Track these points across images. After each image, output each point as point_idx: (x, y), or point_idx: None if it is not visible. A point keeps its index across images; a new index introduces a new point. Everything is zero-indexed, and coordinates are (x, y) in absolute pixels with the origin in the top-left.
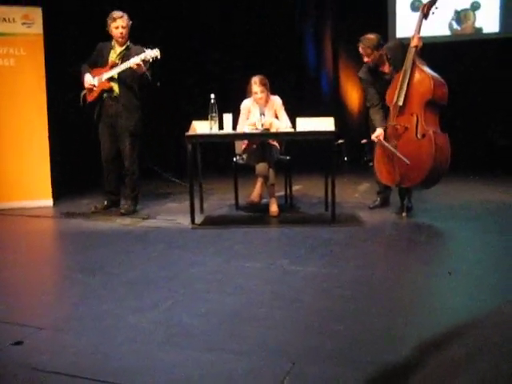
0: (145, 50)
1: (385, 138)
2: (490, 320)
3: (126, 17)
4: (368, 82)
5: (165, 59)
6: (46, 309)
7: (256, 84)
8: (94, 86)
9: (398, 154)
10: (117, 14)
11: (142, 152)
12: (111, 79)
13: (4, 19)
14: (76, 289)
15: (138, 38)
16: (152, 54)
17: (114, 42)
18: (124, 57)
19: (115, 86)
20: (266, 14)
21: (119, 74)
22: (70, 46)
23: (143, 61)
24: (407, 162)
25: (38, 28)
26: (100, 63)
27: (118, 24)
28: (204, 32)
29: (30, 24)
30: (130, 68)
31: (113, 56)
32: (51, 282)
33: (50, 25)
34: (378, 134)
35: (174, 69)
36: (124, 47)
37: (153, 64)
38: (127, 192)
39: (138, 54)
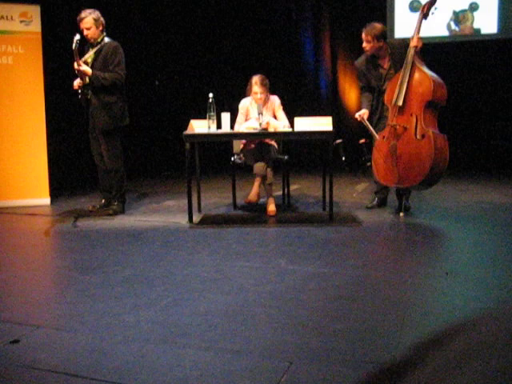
0: (113, 44)
1: (384, 138)
2: (487, 319)
3: (91, 16)
4: (361, 72)
5: (165, 59)
6: (43, 307)
7: (257, 84)
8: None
9: (376, 136)
10: (80, 15)
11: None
12: (85, 80)
13: (2, 17)
14: (73, 287)
15: (140, 39)
16: (74, 41)
17: None
18: (97, 53)
19: (87, 88)
20: (263, 15)
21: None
22: (68, 44)
23: (99, 53)
24: (377, 137)
25: (36, 26)
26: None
27: (82, 27)
28: (203, 32)
29: (28, 22)
30: (97, 65)
31: (90, 52)
32: (48, 280)
33: (48, 22)
34: (361, 113)
35: (172, 68)
36: (97, 45)
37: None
38: (113, 192)
39: (108, 50)
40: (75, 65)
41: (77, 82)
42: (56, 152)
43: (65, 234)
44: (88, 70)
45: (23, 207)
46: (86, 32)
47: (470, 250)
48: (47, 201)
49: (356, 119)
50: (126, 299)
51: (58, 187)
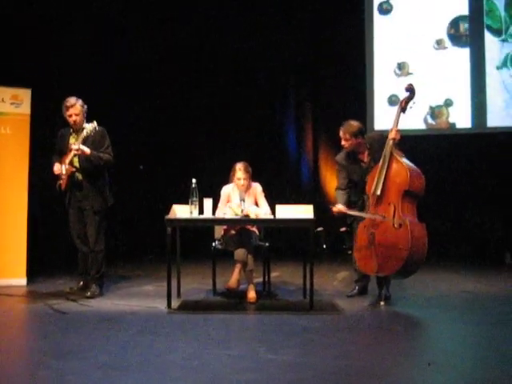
0: (100, 129)
1: (364, 227)
2: None
3: (78, 104)
4: (342, 167)
5: (151, 145)
6: None
7: (240, 170)
8: (62, 173)
9: (367, 215)
10: (69, 102)
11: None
12: (73, 164)
13: None
14: (45, 373)
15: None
16: (89, 128)
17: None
18: (84, 138)
19: (77, 170)
20: (247, 103)
21: (79, 158)
22: (57, 127)
23: (88, 137)
24: (382, 217)
25: (25, 108)
26: (64, 150)
27: (71, 112)
28: (188, 119)
29: (18, 104)
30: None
31: (72, 141)
32: (19, 365)
33: (38, 105)
34: (340, 208)
35: (156, 153)
36: (80, 131)
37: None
38: (92, 273)
39: (96, 135)
40: (73, 146)
41: (58, 168)
42: (35, 232)
43: (40, 316)
44: (87, 149)
45: None
46: (74, 118)
47: (452, 340)
48: (24, 281)
49: (335, 212)
50: None
51: (36, 267)
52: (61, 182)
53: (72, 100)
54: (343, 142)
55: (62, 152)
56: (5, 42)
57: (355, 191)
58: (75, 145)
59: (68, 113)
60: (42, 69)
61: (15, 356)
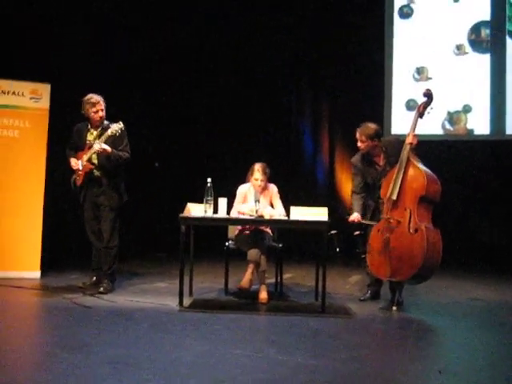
0: (122, 130)
1: (378, 231)
2: None
3: (102, 100)
4: (357, 169)
5: (168, 143)
6: None
7: (259, 171)
8: (79, 169)
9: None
10: (95, 99)
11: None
12: (92, 161)
13: (13, 92)
14: (55, 366)
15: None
16: (115, 128)
17: (89, 124)
18: (101, 136)
19: (96, 167)
20: (263, 104)
21: (98, 155)
22: (75, 122)
23: (111, 136)
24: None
25: (45, 102)
26: (80, 146)
27: (98, 109)
28: (205, 120)
29: (37, 99)
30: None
31: (90, 137)
32: (30, 357)
33: (57, 100)
34: (355, 217)
35: (173, 151)
36: (100, 127)
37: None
38: (104, 268)
39: (116, 132)
40: (96, 145)
41: (75, 163)
42: (51, 226)
43: (52, 309)
44: (109, 148)
45: (13, 279)
46: (100, 114)
47: (463, 348)
48: (37, 274)
49: (350, 221)
50: (109, 381)
51: (50, 261)
52: (76, 177)
53: (96, 97)
54: (359, 144)
55: (78, 147)
56: (20, 37)
57: (370, 194)
58: (98, 143)
59: (94, 109)
60: (59, 64)
61: (26, 348)
